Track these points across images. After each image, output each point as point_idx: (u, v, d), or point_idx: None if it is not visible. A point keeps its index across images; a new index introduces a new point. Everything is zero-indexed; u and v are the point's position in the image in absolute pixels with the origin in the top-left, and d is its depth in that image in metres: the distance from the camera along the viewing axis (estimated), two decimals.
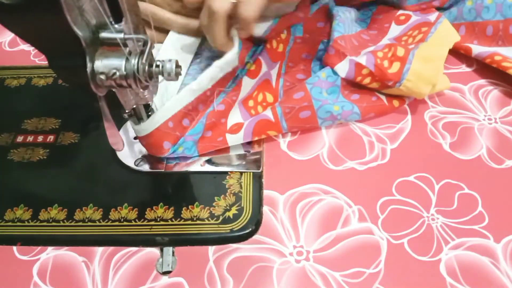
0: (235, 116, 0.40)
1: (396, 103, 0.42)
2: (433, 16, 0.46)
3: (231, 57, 0.38)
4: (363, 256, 0.34)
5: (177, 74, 0.30)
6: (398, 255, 0.34)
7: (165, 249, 0.34)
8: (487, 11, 0.45)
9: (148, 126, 0.35)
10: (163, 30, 0.45)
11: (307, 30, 0.45)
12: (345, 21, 0.45)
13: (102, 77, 0.27)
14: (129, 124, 0.41)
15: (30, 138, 0.41)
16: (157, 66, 0.30)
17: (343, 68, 0.41)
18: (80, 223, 0.35)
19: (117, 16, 0.27)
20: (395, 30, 0.46)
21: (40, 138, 0.41)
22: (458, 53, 0.48)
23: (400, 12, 0.47)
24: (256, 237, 0.35)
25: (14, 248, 0.35)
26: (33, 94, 0.46)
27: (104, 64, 0.27)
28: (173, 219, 0.35)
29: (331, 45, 0.42)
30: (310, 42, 0.45)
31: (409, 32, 0.45)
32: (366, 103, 0.41)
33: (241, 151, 0.40)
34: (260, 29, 0.40)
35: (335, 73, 0.42)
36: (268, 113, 0.39)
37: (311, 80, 0.41)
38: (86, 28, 0.26)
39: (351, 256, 0.34)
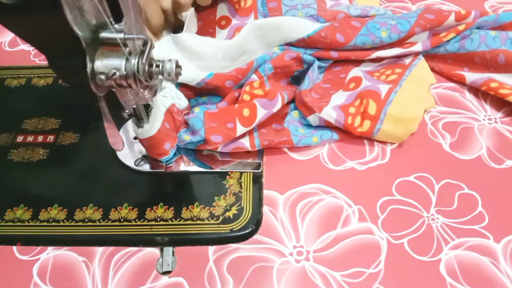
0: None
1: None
2: (408, 59, 0.44)
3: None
4: (363, 256, 0.34)
5: (177, 74, 0.30)
6: (398, 255, 0.34)
7: (165, 249, 0.34)
8: (470, 42, 0.44)
9: (150, 128, 0.35)
10: None
11: (277, 67, 0.42)
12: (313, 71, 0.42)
13: (102, 77, 0.27)
14: (129, 124, 0.41)
15: (30, 138, 0.41)
16: (157, 66, 0.30)
17: (313, 121, 0.40)
18: (80, 223, 0.35)
19: (117, 16, 0.27)
20: (367, 65, 0.45)
21: (40, 138, 0.41)
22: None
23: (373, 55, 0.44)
24: (256, 237, 0.35)
25: (14, 248, 0.35)
26: (33, 94, 0.46)
27: (104, 64, 0.27)
28: (173, 219, 0.35)
29: (299, 94, 0.41)
30: (284, 73, 0.43)
31: (382, 70, 0.44)
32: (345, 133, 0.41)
33: None
34: (192, 80, 0.40)
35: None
36: (246, 142, 0.38)
37: (286, 118, 0.41)
38: (86, 28, 0.26)
39: (351, 256, 0.34)
